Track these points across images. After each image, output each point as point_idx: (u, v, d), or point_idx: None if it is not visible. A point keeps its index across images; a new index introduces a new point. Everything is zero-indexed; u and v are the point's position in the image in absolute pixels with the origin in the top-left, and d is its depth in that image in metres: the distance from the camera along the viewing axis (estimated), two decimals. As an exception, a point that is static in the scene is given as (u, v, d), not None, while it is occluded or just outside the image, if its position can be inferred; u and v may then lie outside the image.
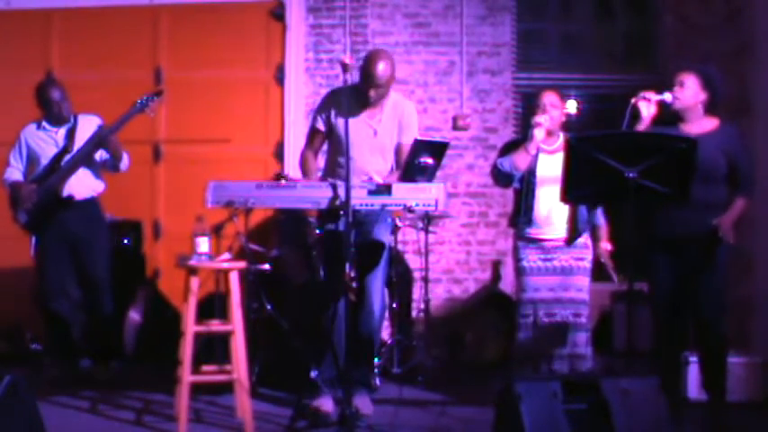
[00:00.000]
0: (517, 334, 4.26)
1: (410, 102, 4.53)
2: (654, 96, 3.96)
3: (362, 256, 3.97)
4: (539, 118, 4.16)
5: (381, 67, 4.05)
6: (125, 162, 4.92)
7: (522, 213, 4.25)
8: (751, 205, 4.01)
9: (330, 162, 4.28)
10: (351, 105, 3.94)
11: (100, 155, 4.88)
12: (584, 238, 4.27)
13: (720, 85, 4.01)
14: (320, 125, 4.25)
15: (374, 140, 4.15)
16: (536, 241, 4.25)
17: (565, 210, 4.19)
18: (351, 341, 3.93)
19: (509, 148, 4.31)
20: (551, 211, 4.21)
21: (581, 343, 4.19)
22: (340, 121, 4.10)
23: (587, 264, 4.26)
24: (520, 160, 4.17)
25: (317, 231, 4.15)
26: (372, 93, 4.07)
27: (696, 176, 3.60)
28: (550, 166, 4.15)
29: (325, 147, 4.35)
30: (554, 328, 4.19)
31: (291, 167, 5.79)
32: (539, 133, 4.14)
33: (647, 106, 3.95)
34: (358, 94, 4.11)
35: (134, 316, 5.37)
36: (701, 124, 3.98)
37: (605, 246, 4.37)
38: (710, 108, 4.02)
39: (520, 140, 4.32)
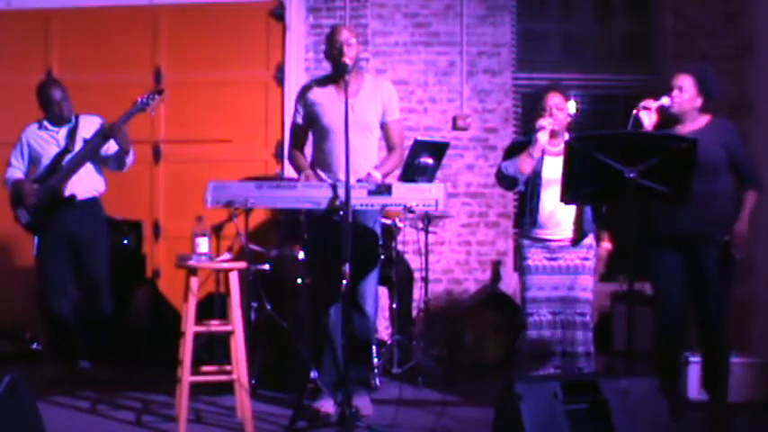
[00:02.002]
0: (520, 333, 4.24)
1: (387, 79, 4.54)
2: (653, 104, 3.96)
3: (355, 257, 3.93)
4: (542, 121, 4.13)
5: (345, 33, 4.11)
6: (131, 157, 4.92)
7: (527, 215, 4.23)
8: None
9: (317, 152, 4.28)
10: (324, 91, 4.11)
11: (106, 149, 4.88)
12: (590, 239, 4.25)
13: (716, 85, 4.02)
14: (299, 119, 4.29)
15: (353, 116, 4.02)
16: (541, 241, 4.23)
17: (570, 210, 4.17)
18: (349, 343, 3.91)
19: (513, 150, 4.29)
20: (557, 213, 4.18)
21: (585, 342, 4.17)
22: (317, 103, 4.17)
23: (592, 263, 4.24)
24: (525, 165, 4.15)
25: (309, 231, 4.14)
26: (344, 59, 4.03)
27: (698, 172, 3.59)
28: (556, 167, 4.07)
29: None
30: (558, 327, 4.19)
31: (291, 167, 5.79)
32: (542, 137, 4.12)
33: (647, 115, 3.96)
34: (329, 80, 4.21)
35: (133, 316, 5.38)
36: (694, 123, 3.99)
37: (606, 245, 4.36)
38: (707, 109, 4.03)
39: (524, 142, 4.28)
